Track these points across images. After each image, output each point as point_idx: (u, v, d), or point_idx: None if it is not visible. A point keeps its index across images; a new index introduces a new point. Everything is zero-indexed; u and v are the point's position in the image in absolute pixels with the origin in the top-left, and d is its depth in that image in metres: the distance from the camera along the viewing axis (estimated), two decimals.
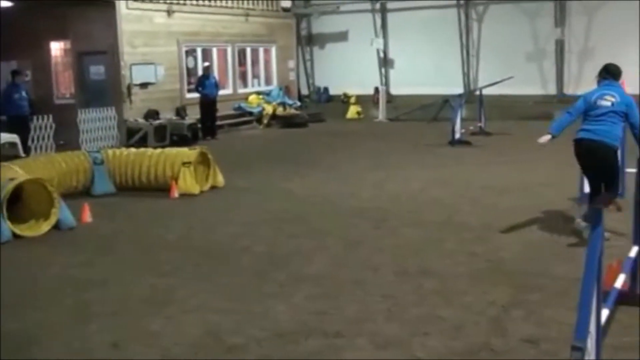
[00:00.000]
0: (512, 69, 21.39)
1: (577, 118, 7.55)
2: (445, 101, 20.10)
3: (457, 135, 15.66)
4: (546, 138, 7.64)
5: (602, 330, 4.36)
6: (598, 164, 7.27)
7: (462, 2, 24.62)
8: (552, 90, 23.74)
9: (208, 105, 18.60)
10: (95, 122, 16.12)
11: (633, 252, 5.35)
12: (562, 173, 10.70)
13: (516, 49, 23.59)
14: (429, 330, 5.07)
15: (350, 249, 7.37)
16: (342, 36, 26.81)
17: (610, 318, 4.90)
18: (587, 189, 7.83)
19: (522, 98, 22.30)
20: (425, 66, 24.69)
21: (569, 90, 23.54)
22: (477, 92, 18.88)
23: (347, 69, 25.82)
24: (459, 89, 22.42)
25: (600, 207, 3.91)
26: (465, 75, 24.78)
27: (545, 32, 23.44)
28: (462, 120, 16.50)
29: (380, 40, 25.58)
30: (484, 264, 6.67)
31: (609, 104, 7.19)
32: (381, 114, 22.72)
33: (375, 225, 8.41)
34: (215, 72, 20.19)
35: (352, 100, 24.48)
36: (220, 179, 11.20)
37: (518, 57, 23.46)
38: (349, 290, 6.01)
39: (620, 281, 5.00)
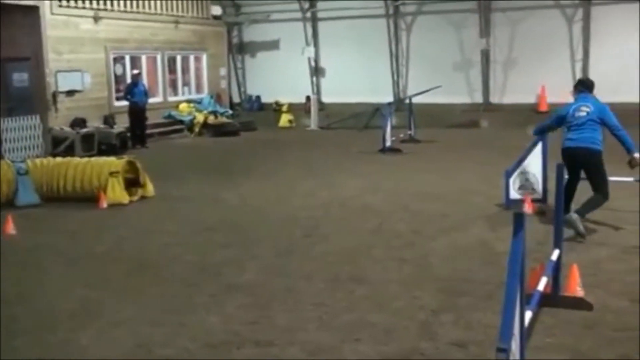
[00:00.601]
0: (441, 78, 21.89)
1: (556, 125, 8.62)
2: (376, 109, 20.39)
3: (388, 143, 15.90)
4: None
5: (526, 332, 4.52)
6: (585, 167, 8.07)
7: (391, 12, 25.04)
8: (478, 98, 24.37)
9: (137, 113, 18.29)
10: (19, 131, 15.64)
11: (555, 256, 5.55)
12: (489, 180, 11.04)
13: (444, 58, 24.13)
14: (360, 336, 5.13)
15: (281, 258, 7.38)
16: (273, 45, 26.84)
17: (534, 320, 5.08)
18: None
19: (450, 106, 22.81)
20: (356, 75, 24.96)
21: (494, 98, 24.24)
22: (407, 101, 19.25)
23: (279, 78, 25.85)
24: (389, 98, 22.74)
25: (521, 213, 4.04)
26: (395, 83, 25.18)
27: (471, 43, 24.07)
28: (393, 128, 16.77)
29: (312, 49, 25.73)
30: (414, 270, 6.80)
31: (584, 113, 8.06)
32: (313, 122, 22.85)
33: (307, 233, 8.45)
34: (145, 80, 19.86)
35: (284, 108, 24.51)
36: (151, 189, 11.02)
37: (446, 66, 24.00)
38: (281, 299, 6.02)
39: (542, 284, 5.17)
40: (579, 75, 23.27)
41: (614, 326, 5.17)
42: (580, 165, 8.09)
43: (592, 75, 22.87)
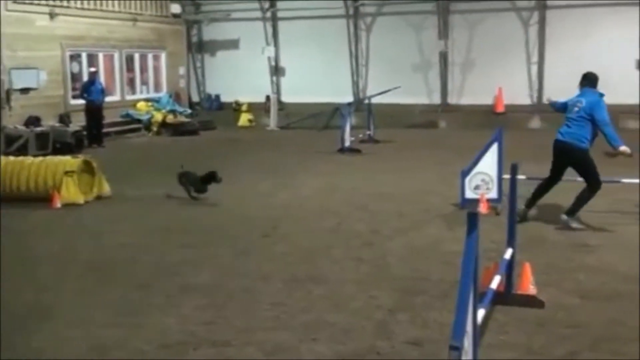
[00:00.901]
0: (400, 79, 22.07)
1: (563, 110, 8.65)
2: (336, 109, 20.45)
3: (347, 143, 15.96)
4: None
5: (479, 330, 4.59)
6: (570, 164, 8.30)
7: (351, 13, 25.15)
8: (437, 99, 24.61)
9: (94, 112, 18.00)
10: None
11: (508, 254, 5.65)
12: (446, 180, 11.16)
13: (403, 59, 24.32)
14: (318, 335, 5.14)
15: (239, 258, 7.36)
16: (233, 44, 26.69)
17: (487, 317, 5.17)
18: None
19: (409, 107, 23.00)
20: (316, 75, 24.99)
21: (452, 99, 24.54)
22: (367, 101, 19.35)
23: (239, 77, 25.72)
24: (349, 98, 22.83)
25: (475, 213, 4.10)
26: (355, 84, 25.29)
27: (430, 44, 24.30)
28: (352, 128, 16.85)
29: (272, 49, 25.67)
30: (372, 270, 6.84)
31: (577, 109, 8.23)
32: (273, 122, 22.81)
33: (266, 233, 8.43)
34: (102, 78, 19.58)
35: (244, 108, 24.43)
36: (107, 189, 10.86)
37: (405, 67, 24.19)
38: (238, 300, 6.00)
39: (496, 282, 5.26)
40: (535, 78, 23.75)
41: (565, 323, 5.28)
42: (564, 161, 8.30)
43: (548, 78, 23.48)
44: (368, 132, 17.97)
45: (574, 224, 8.19)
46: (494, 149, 9.32)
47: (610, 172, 9.08)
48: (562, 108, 8.66)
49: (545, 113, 23.17)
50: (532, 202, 8.69)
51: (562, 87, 23.39)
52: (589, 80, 8.45)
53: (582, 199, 8.23)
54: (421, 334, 5.16)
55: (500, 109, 22.71)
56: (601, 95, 8.28)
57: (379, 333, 5.20)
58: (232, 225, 8.88)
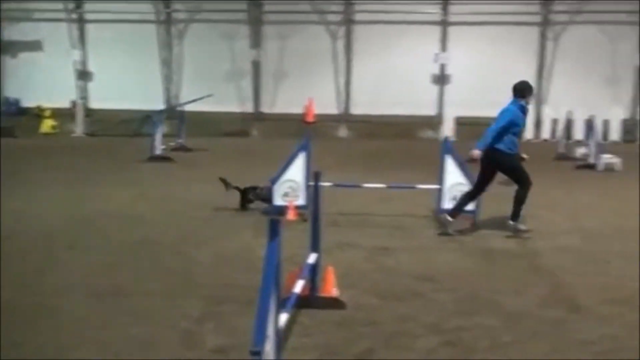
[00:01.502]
0: (213, 87, 22.09)
1: None
2: (147, 116, 19.97)
3: (158, 151, 15.65)
4: None
5: (282, 334, 4.70)
6: (497, 168, 8.61)
7: (162, 18, 24.72)
8: (249, 108, 24.92)
9: None
10: None
11: (312, 259, 5.84)
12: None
13: (216, 68, 24.38)
14: (120, 349, 4.97)
15: (39, 274, 6.91)
16: (36, 45, 25.14)
17: (291, 321, 5.30)
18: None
19: (222, 115, 23.07)
20: (127, 80, 24.29)
21: (265, 108, 24.98)
22: (179, 108, 19.12)
23: (42, 81, 24.31)
24: (160, 105, 22.42)
25: (276, 219, 4.20)
26: (167, 91, 24.88)
27: (243, 53, 24.57)
28: (164, 136, 16.54)
29: (78, 52, 24.52)
30: (178, 280, 6.74)
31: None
32: (79, 128, 21.79)
33: (69, 246, 8.00)
34: None
35: (47, 113, 23.07)
36: None
37: (218, 75, 24.26)
38: (38, 317, 5.63)
39: (299, 286, 5.41)
40: (343, 89, 24.87)
41: (363, 322, 5.56)
42: (490, 166, 8.55)
43: (354, 90, 24.69)
44: (180, 140, 17.75)
45: (521, 227, 8.59)
46: (301, 157, 9.60)
47: (407, 179, 9.71)
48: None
49: (351, 122, 24.38)
50: (457, 210, 8.85)
51: (367, 99, 24.88)
52: (514, 91, 8.61)
53: (519, 201, 8.58)
54: (227, 341, 5.17)
55: (311, 119, 23.49)
56: (521, 106, 8.53)
57: (185, 343, 5.14)
58: (31, 240, 8.32)
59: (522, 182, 8.58)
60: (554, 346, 5.10)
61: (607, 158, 15.44)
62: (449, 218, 8.69)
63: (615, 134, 23.56)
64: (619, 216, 9.99)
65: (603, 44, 24.16)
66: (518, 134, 8.56)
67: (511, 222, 8.62)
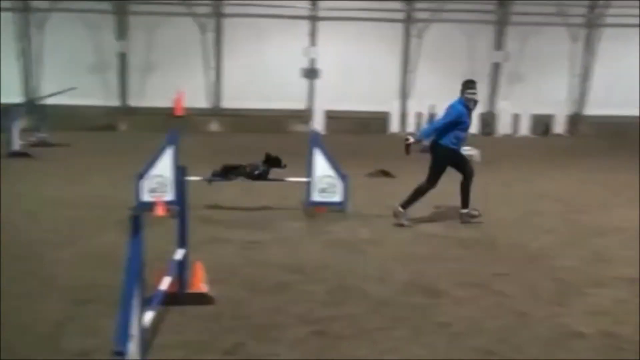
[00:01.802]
0: (77, 80, 21.20)
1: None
2: (3, 110, 18.82)
3: (16, 147, 14.81)
4: None
5: (149, 332, 4.62)
6: (438, 161, 8.96)
7: (20, 7, 23.42)
8: (116, 101, 24.13)
9: None
10: None
11: (179, 255, 5.76)
12: (123, 184, 10.97)
13: (80, 59, 23.42)
14: None
15: None
16: None
17: (161, 319, 5.22)
18: None
19: (86, 109, 22.20)
20: None
21: (132, 102, 24.29)
22: (39, 102, 18.20)
23: None
24: (19, 98, 21.23)
25: (138, 215, 4.11)
26: (25, 83, 23.59)
27: (108, 45, 23.74)
28: (23, 130, 15.68)
29: None
30: (39, 282, 6.41)
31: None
32: None
33: None
34: None
35: None
36: None
37: (82, 68, 23.33)
38: None
39: (166, 283, 5.32)
40: (213, 83, 24.64)
41: (233, 315, 5.56)
42: (436, 160, 8.96)
43: (225, 83, 24.53)
44: (40, 135, 16.90)
45: (474, 212, 9.20)
46: (169, 152, 9.42)
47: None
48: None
49: (222, 117, 24.21)
50: (409, 203, 9.11)
51: (238, 93, 24.82)
52: (461, 87, 9.05)
53: (466, 190, 9.10)
54: (91, 344, 4.99)
55: (180, 112, 23.12)
56: (461, 101, 8.92)
57: (45, 347, 4.92)
58: None
59: (466, 173, 9.18)
60: (415, 330, 5.34)
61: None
62: (400, 209, 9.04)
63: (474, 128, 24.88)
64: (477, 205, 10.58)
65: (462, 41, 25.49)
66: (465, 129, 9.08)
67: (463, 211, 9.23)
